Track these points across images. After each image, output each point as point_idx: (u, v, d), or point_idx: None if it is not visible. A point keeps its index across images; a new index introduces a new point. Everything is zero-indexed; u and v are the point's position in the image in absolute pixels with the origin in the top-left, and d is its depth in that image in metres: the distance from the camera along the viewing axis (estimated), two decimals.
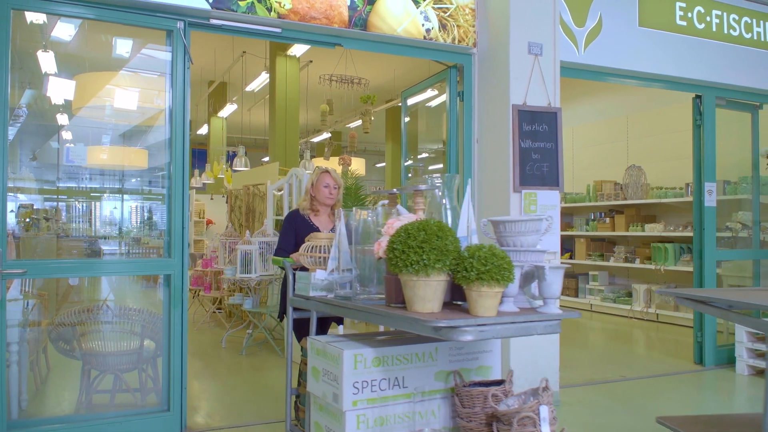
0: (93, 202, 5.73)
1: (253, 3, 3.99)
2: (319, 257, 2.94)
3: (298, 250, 3.65)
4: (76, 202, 5.72)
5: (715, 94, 5.82)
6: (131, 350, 4.11)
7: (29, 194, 5.35)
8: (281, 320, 3.87)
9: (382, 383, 2.35)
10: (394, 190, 2.77)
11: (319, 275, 2.79)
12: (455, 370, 2.49)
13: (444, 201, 2.48)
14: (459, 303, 2.34)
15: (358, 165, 11.65)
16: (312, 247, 2.99)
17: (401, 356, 2.40)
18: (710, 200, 5.76)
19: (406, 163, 6.14)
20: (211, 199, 14.75)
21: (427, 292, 2.10)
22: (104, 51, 4.78)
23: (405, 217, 2.34)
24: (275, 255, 3.71)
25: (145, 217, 5.79)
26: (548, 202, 4.44)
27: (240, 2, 3.95)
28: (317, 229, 3.71)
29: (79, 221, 5.80)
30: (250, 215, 8.60)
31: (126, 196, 5.61)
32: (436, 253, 2.06)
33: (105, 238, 5.63)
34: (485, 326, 2.04)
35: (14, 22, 3.54)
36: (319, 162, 12.12)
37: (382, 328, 5.47)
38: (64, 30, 4.49)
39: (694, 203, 5.90)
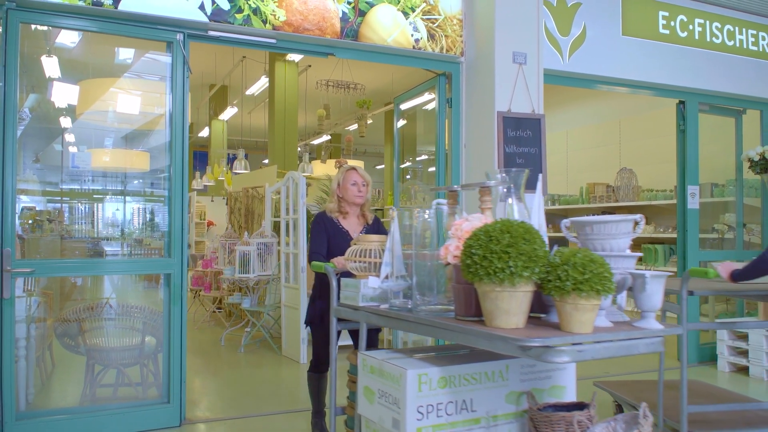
0: (95, 204, 5.88)
1: (249, 15, 4.18)
2: (368, 262, 2.62)
3: (330, 253, 3.46)
4: (79, 204, 5.87)
5: (699, 100, 5.99)
6: (133, 346, 4.29)
7: (32, 196, 5.50)
8: (307, 326, 3.66)
9: (448, 407, 2.09)
10: (456, 186, 2.47)
11: (372, 283, 2.48)
12: (527, 390, 2.22)
13: (509, 200, 2.23)
14: (538, 315, 2.06)
15: None
16: (361, 252, 2.67)
17: (469, 376, 2.13)
18: (693, 203, 5.94)
19: (401, 166, 6.33)
20: (212, 200, 14.94)
21: (512, 305, 1.83)
22: (107, 57, 4.95)
23: (474, 217, 2.10)
24: (312, 260, 3.36)
25: (147, 219, 5.95)
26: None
27: (237, 15, 4.14)
28: (347, 233, 3.54)
29: (81, 223, 5.95)
30: (249, 217, 8.79)
31: (128, 198, 5.77)
32: (524, 260, 1.80)
33: (107, 240, 5.79)
34: (583, 345, 1.78)
35: (21, 30, 3.71)
36: (318, 164, 12.30)
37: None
38: (68, 36, 4.64)
39: (677, 205, 6.07)
